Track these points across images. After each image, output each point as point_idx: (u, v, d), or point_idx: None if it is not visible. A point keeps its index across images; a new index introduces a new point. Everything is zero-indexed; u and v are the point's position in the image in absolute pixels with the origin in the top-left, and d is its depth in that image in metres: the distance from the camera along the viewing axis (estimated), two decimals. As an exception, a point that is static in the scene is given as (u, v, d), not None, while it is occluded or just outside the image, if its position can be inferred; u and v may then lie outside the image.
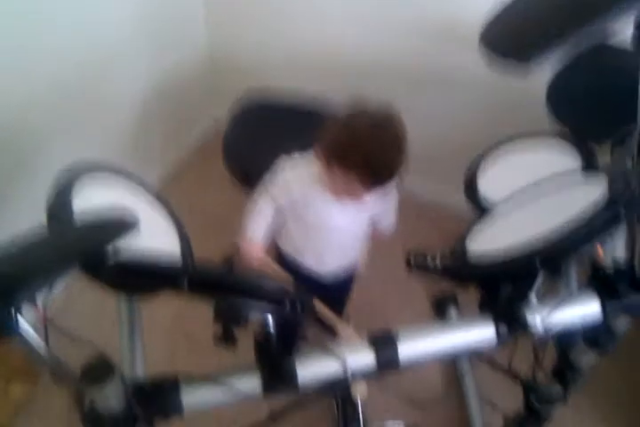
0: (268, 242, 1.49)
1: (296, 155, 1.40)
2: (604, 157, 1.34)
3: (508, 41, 1.25)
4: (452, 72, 1.93)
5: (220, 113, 2.60)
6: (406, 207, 2.39)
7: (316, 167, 1.28)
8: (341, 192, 1.29)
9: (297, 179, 1.35)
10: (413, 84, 2.03)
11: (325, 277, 1.58)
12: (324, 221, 1.39)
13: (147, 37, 2.04)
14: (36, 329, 0.79)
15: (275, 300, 0.77)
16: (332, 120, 1.23)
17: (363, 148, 1.17)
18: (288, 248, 1.55)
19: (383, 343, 0.89)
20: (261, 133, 1.72)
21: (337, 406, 1.78)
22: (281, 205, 1.40)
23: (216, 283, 0.72)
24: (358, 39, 2.03)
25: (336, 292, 1.73)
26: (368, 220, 1.47)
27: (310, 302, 0.82)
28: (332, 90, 1.83)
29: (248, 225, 1.46)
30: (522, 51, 1.14)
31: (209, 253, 2.18)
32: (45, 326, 0.81)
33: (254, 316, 0.80)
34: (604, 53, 1.37)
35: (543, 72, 1.38)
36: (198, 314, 2.04)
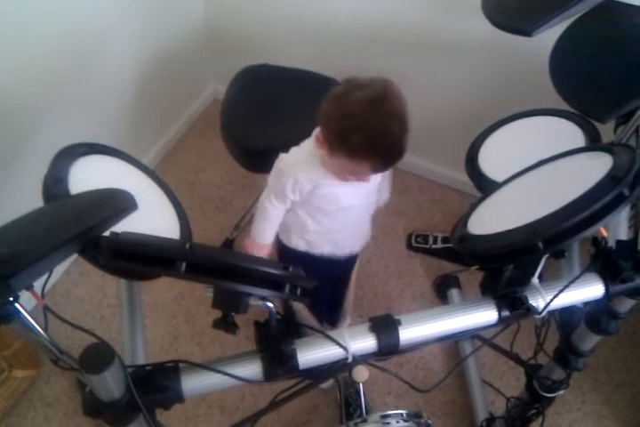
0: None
1: (294, 148, 1.33)
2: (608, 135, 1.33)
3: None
4: (455, 46, 1.89)
5: (218, 88, 2.59)
6: (408, 186, 2.40)
7: (318, 150, 1.24)
8: (349, 176, 1.24)
9: (302, 169, 1.27)
10: (416, 59, 2.00)
11: (340, 259, 1.56)
12: (338, 203, 1.35)
13: (143, 11, 1.99)
14: (34, 315, 0.79)
15: (274, 284, 0.76)
16: (325, 101, 1.15)
17: (363, 126, 1.09)
18: (299, 244, 1.49)
19: (384, 327, 0.88)
20: (261, 107, 1.69)
21: (339, 390, 1.79)
22: (293, 201, 1.34)
23: (214, 268, 0.71)
24: (359, 10, 1.98)
25: (344, 267, 1.72)
26: (374, 191, 1.44)
27: (309, 285, 0.81)
28: (332, 61, 1.79)
29: (256, 230, 1.42)
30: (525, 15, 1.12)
31: (209, 232, 2.22)
32: (45, 313, 0.80)
33: (254, 302, 0.79)
34: (611, 11, 1.32)
35: (550, 41, 1.36)
36: (200, 297, 2.06)
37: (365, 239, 1.59)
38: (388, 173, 1.45)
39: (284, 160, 1.30)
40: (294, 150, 1.31)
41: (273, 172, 1.33)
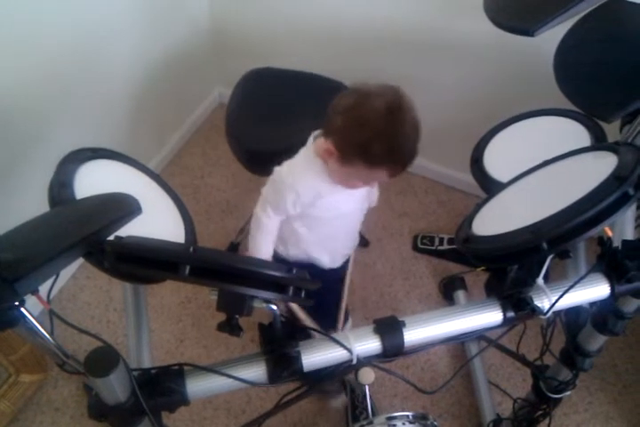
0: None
1: (287, 160, 1.30)
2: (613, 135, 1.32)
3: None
4: (459, 47, 1.88)
5: (223, 92, 2.59)
6: (414, 188, 2.40)
7: (320, 160, 1.22)
8: (358, 183, 1.23)
9: (303, 181, 1.25)
10: (420, 61, 1.99)
11: (337, 269, 1.55)
12: (339, 209, 1.34)
13: (148, 16, 2.00)
14: (41, 320, 0.79)
15: (278, 287, 0.76)
16: (336, 114, 1.13)
17: (383, 135, 1.08)
18: (298, 253, 1.47)
19: (388, 329, 0.88)
20: (266, 111, 1.69)
21: (345, 391, 1.79)
22: (291, 210, 1.30)
23: (218, 271, 0.71)
24: (363, 13, 1.98)
25: (343, 269, 1.72)
26: (368, 193, 1.43)
27: (314, 288, 0.81)
28: (336, 64, 1.79)
29: (254, 244, 1.39)
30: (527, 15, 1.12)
31: (215, 236, 2.22)
32: (51, 317, 0.81)
33: (258, 305, 0.79)
34: (615, 10, 1.32)
35: (554, 41, 1.35)
36: (206, 301, 2.06)
37: (356, 242, 1.59)
38: None
39: (282, 174, 1.26)
40: (290, 163, 1.28)
41: (270, 185, 1.30)
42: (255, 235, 1.38)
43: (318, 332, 0.89)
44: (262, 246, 1.38)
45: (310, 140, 1.28)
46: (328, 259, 1.49)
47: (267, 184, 1.31)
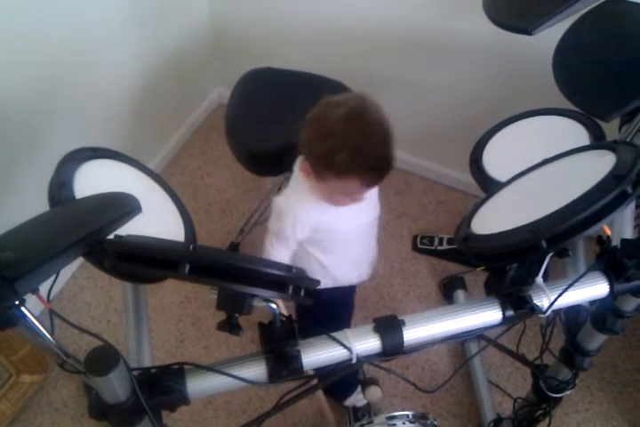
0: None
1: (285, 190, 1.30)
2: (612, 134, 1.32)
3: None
4: (457, 46, 1.88)
5: (223, 92, 2.59)
6: (413, 188, 2.41)
7: (306, 182, 1.21)
8: (342, 199, 1.21)
9: (298, 204, 1.24)
10: (419, 61, 1.99)
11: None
12: (344, 229, 1.32)
13: (148, 16, 2.00)
14: (42, 319, 0.79)
15: (278, 286, 0.76)
16: (303, 126, 1.13)
17: (345, 144, 1.07)
18: (326, 282, 1.42)
19: (388, 328, 0.88)
20: (266, 111, 1.68)
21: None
22: (298, 242, 1.29)
23: (217, 269, 0.71)
24: (363, 13, 1.98)
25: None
26: (375, 204, 1.41)
27: (313, 287, 0.81)
28: (336, 64, 1.79)
29: None
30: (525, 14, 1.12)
31: (214, 236, 2.22)
32: (51, 316, 0.81)
33: (258, 303, 0.79)
34: (615, 8, 1.31)
35: (553, 40, 1.35)
36: (206, 300, 2.06)
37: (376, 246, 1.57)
38: None
39: (280, 202, 1.27)
40: (285, 190, 1.29)
41: (271, 216, 1.30)
42: None
43: (318, 330, 0.89)
44: None
45: (297, 163, 1.27)
46: (356, 275, 1.48)
47: (270, 217, 1.31)
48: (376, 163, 1.11)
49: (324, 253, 1.36)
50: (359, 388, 1.78)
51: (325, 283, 1.43)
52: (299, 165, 1.24)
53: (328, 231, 1.29)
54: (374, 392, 1.17)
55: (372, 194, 1.35)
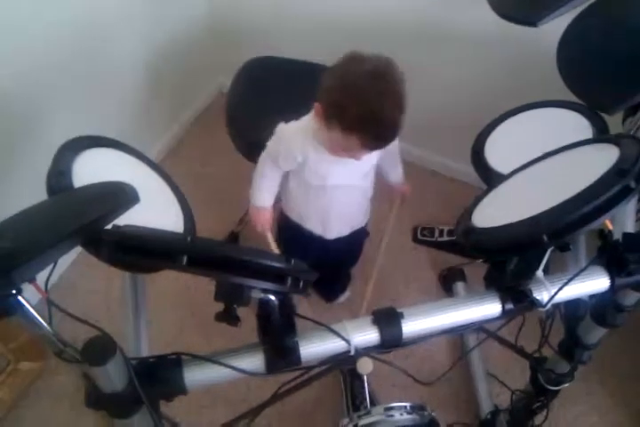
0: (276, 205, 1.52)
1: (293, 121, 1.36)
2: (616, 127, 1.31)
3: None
4: (461, 37, 1.87)
5: (223, 81, 2.58)
6: (414, 179, 2.39)
7: (315, 124, 1.24)
8: (340, 151, 1.25)
9: (295, 139, 1.31)
10: (422, 51, 1.98)
11: (332, 241, 1.57)
12: (325, 180, 1.36)
13: (148, 4, 1.99)
14: (40, 308, 0.79)
15: (276, 278, 0.76)
16: (326, 73, 1.17)
17: (358, 100, 1.10)
18: (292, 214, 1.54)
19: (387, 320, 0.88)
20: (266, 100, 1.68)
21: (344, 381, 1.80)
22: (284, 166, 1.38)
23: (216, 261, 0.71)
24: (365, 1, 1.97)
25: (344, 253, 1.72)
26: (372, 170, 1.44)
27: (312, 278, 0.81)
28: (337, 53, 1.77)
29: (255, 193, 1.47)
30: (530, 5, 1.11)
31: (214, 225, 2.22)
32: (49, 306, 0.80)
33: (256, 295, 0.79)
34: (620, 1, 1.31)
35: (557, 32, 1.34)
36: (206, 290, 2.06)
37: (358, 224, 1.60)
38: (391, 148, 1.43)
39: (283, 129, 1.34)
40: (293, 122, 1.35)
41: (272, 137, 1.37)
42: (254, 183, 1.46)
43: (318, 323, 0.88)
44: (260, 194, 1.47)
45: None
46: (320, 227, 1.53)
47: (271, 137, 1.38)
48: (379, 126, 1.14)
49: (299, 188, 1.44)
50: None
51: (291, 213, 1.55)
52: (314, 107, 1.27)
53: (311, 173, 1.35)
54: (365, 364, 1.18)
55: (367, 163, 1.38)
